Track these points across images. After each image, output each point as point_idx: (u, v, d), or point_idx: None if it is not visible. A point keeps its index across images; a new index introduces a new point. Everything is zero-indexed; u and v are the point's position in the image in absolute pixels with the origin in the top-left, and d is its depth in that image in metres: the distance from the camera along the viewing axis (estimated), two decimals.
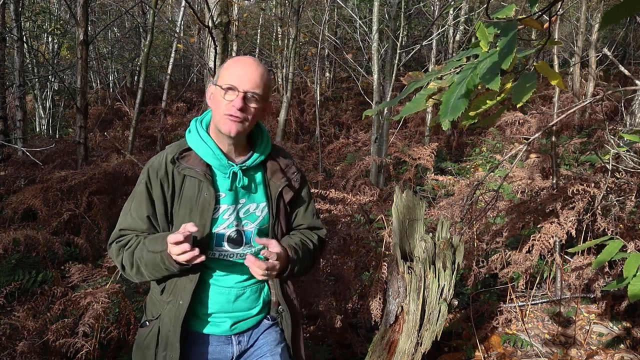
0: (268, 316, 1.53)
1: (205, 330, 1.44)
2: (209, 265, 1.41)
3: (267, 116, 10.11)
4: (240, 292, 1.43)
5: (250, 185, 1.43)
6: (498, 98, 1.14)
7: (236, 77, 1.32)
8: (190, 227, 1.23)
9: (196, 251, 1.23)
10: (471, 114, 1.14)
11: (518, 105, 1.01)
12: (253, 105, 1.34)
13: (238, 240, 1.41)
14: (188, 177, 1.37)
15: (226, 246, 1.40)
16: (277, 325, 1.55)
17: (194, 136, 1.41)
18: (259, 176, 1.46)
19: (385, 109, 6.14)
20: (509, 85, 1.13)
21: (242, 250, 1.42)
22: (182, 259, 1.23)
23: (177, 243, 1.21)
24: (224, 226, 1.39)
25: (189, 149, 1.40)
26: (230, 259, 1.42)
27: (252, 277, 1.44)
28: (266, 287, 1.50)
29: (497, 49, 1.01)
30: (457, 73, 1.11)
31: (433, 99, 1.16)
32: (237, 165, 1.40)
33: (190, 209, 1.36)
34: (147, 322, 1.46)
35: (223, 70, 1.37)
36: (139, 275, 1.39)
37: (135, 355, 1.47)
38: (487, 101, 1.14)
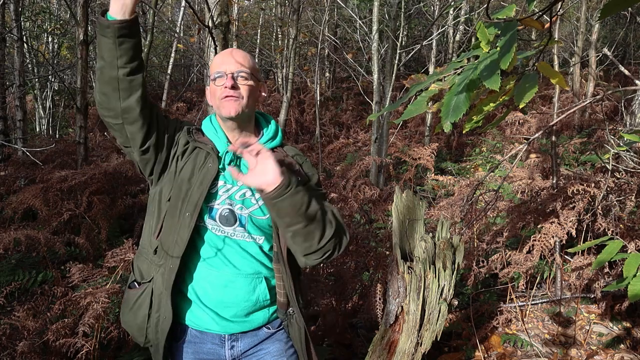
0: (269, 325, 1.48)
1: (199, 327, 1.42)
2: (200, 234, 1.40)
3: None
4: (232, 278, 1.40)
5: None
6: (500, 100, 1.14)
7: (221, 64, 1.42)
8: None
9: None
10: (475, 118, 1.14)
11: (520, 106, 1.01)
12: (243, 82, 1.40)
13: (230, 219, 1.40)
14: (198, 149, 1.43)
15: (217, 221, 1.40)
16: (283, 332, 1.49)
17: (206, 121, 1.50)
18: None
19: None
20: (511, 86, 1.13)
21: (233, 230, 1.40)
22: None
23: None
24: (218, 202, 1.40)
25: (201, 130, 1.49)
26: (221, 235, 1.40)
27: (244, 267, 1.41)
28: (264, 284, 1.44)
29: (498, 49, 1.01)
30: (458, 74, 1.11)
31: (436, 105, 1.16)
32: None
33: (191, 175, 1.39)
34: (136, 284, 1.45)
35: (210, 68, 1.47)
36: (101, 60, 1.26)
37: (126, 316, 1.44)
38: (490, 104, 1.14)
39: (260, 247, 1.44)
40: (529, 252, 3.10)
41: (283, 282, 1.45)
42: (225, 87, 1.37)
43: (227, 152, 1.41)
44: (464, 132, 1.17)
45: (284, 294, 1.45)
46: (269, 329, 1.48)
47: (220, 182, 1.41)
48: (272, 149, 1.46)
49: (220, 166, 1.41)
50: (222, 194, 1.41)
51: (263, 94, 1.49)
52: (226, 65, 1.40)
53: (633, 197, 3.06)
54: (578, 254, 3.12)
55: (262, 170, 1.24)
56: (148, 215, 1.47)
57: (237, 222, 1.41)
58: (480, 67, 1.01)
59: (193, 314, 1.43)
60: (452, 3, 7.85)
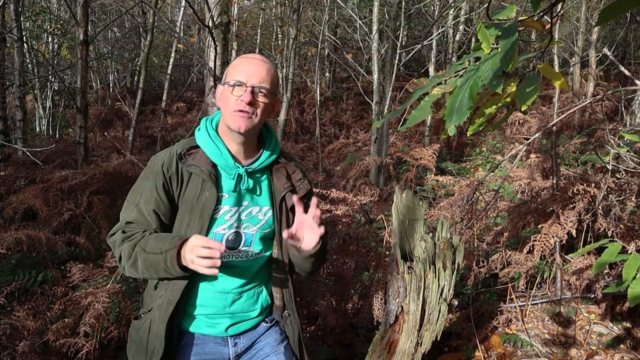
0: (267, 319, 1.52)
1: (200, 331, 1.43)
2: None
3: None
4: (236, 297, 1.42)
5: (255, 188, 1.42)
6: (502, 102, 1.15)
7: (244, 73, 1.33)
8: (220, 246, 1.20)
9: (217, 261, 1.17)
10: (478, 121, 1.15)
11: (522, 109, 1.02)
12: (261, 99, 1.34)
13: (236, 241, 1.40)
14: (193, 174, 1.36)
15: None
16: (277, 326, 1.53)
17: (203, 134, 1.40)
18: (264, 179, 1.45)
19: (386, 111, 6.14)
20: (513, 89, 1.13)
21: (238, 252, 1.40)
22: (204, 263, 1.16)
23: (208, 247, 1.17)
24: (224, 227, 1.38)
25: (197, 147, 1.40)
26: (226, 260, 1.39)
27: (249, 281, 1.44)
28: (264, 291, 1.49)
29: (499, 50, 1.01)
30: (460, 77, 1.11)
31: (441, 112, 1.16)
32: (243, 167, 1.39)
33: (191, 206, 1.35)
34: (142, 315, 1.45)
35: (230, 69, 1.37)
36: (133, 269, 1.33)
37: (130, 348, 1.45)
38: (493, 106, 1.14)
39: (263, 259, 1.46)
40: (529, 252, 3.10)
41: (281, 287, 1.48)
42: (242, 100, 1.31)
43: (239, 174, 1.37)
44: (468, 134, 1.17)
45: (281, 298, 1.49)
46: (267, 322, 1.52)
47: (225, 207, 1.37)
48: (274, 162, 1.45)
49: (226, 190, 1.38)
50: (229, 219, 1.38)
51: (275, 110, 1.45)
52: (249, 75, 1.32)
53: (633, 198, 3.06)
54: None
55: (310, 236, 1.33)
56: None
57: (242, 243, 1.41)
58: (482, 68, 1.01)
59: (194, 324, 1.43)
60: (452, 3, 7.85)
